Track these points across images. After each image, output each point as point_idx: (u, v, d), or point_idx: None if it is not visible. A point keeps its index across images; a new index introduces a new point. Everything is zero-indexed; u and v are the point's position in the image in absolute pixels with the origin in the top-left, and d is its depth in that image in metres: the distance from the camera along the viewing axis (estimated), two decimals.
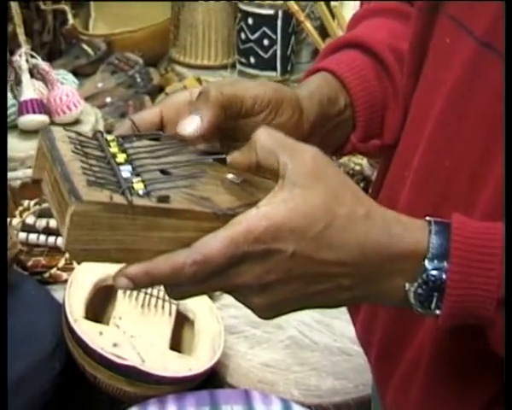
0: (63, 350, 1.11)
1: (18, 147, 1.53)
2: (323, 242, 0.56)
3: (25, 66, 1.59)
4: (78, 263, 1.26)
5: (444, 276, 0.57)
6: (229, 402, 1.07)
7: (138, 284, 0.57)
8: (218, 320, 1.19)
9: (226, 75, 1.93)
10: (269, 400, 1.09)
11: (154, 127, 0.64)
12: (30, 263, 1.31)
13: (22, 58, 1.60)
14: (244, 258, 0.56)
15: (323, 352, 1.23)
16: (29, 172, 1.51)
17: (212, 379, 1.16)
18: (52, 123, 1.58)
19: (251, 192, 0.61)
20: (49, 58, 2.03)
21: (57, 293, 1.23)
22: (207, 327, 1.18)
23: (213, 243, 0.55)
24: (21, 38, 1.98)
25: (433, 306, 0.58)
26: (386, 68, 0.77)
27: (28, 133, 1.56)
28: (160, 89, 1.94)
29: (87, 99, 1.81)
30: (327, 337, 1.26)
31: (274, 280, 0.57)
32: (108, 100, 1.89)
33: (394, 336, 0.73)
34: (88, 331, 1.08)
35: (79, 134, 0.60)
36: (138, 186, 0.56)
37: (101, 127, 1.66)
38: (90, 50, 2.07)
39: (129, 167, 0.58)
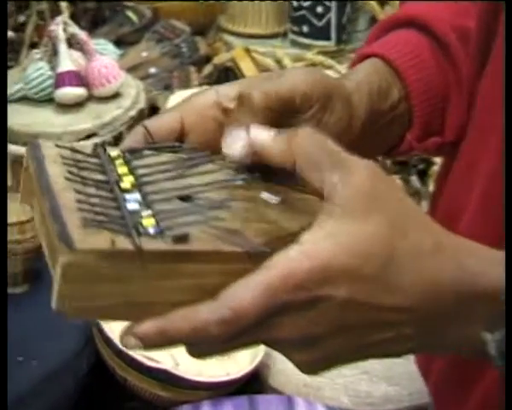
0: (92, 350, 1.04)
1: (54, 122, 1.46)
2: (381, 283, 0.46)
3: (62, 35, 1.51)
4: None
5: None
6: (269, 409, 0.98)
7: (150, 345, 0.47)
8: None
9: (277, 45, 1.83)
10: (313, 408, 1.00)
11: (172, 136, 0.53)
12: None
13: (59, 27, 1.52)
14: (283, 309, 0.45)
15: None
16: None
17: (253, 382, 1.08)
18: (91, 96, 1.50)
19: (291, 217, 0.49)
20: (93, 26, 1.97)
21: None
22: None
23: (245, 294, 0.45)
24: (63, 4, 1.91)
25: None
26: (447, 50, 0.66)
27: (65, 107, 1.48)
28: (208, 59, 1.85)
29: (130, 70, 1.74)
30: None
31: (321, 333, 0.46)
32: (152, 71, 1.80)
33: (460, 367, 0.63)
34: (118, 331, 1.00)
35: (75, 150, 0.49)
36: (148, 222, 0.45)
37: (142, 101, 1.57)
38: (134, 18, 1.99)
39: (137, 196, 0.47)
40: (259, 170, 0.51)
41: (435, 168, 1.45)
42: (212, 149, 0.52)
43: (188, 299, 0.45)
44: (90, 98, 1.50)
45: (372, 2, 1.79)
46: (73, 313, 0.45)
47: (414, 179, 1.46)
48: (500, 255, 0.48)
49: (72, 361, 1.01)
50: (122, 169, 0.48)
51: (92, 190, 0.47)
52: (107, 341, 1.00)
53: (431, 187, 1.43)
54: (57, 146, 0.49)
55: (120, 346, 0.99)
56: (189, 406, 0.99)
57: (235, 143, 0.50)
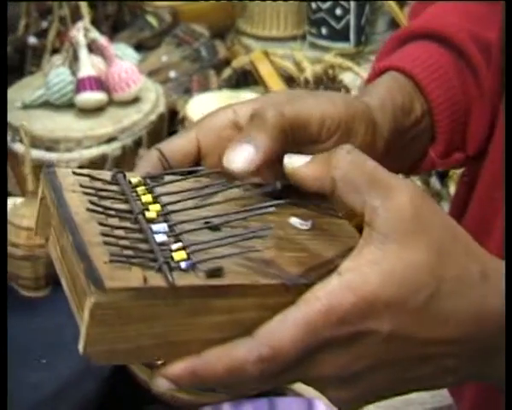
0: None
1: (74, 126, 1.47)
2: (427, 316, 0.43)
3: (82, 41, 1.52)
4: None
5: None
6: None
7: (184, 386, 0.45)
8: None
9: (296, 47, 1.83)
10: None
11: (189, 159, 0.50)
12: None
13: (80, 33, 1.53)
14: (324, 345, 0.43)
15: None
16: (86, 153, 1.45)
17: None
18: (111, 101, 1.51)
19: (324, 243, 0.46)
20: (113, 31, 1.98)
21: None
22: None
23: (284, 331, 0.42)
24: (84, 10, 1.92)
25: None
26: (468, 63, 0.63)
27: (86, 112, 1.50)
28: (227, 62, 1.85)
29: (150, 74, 1.74)
30: None
31: (362, 369, 0.44)
32: (172, 75, 1.81)
33: (492, 394, 0.62)
34: None
35: (94, 178, 0.45)
36: (179, 256, 0.42)
37: (162, 105, 1.58)
38: (154, 22, 1.99)
39: (164, 226, 0.43)
40: (284, 194, 0.48)
41: (455, 170, 1.44)
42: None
43: (223, 336, 0.43)
44: (111, 103, 1.51)
45: (391, 2, 1.78)
46: (103, 356, 0.42)
47: (434, 181, 1.46)
48: None
49: (93, 365, 1.02)
50: (146, 198, 0.45)
51: (116, 222, 0.44)
52: None
53: (451, 188, 1.42)
54: (74, 173, 0.46)
55: None
56: (209, 407, 0.99)
57: (238, 158, 0.47)
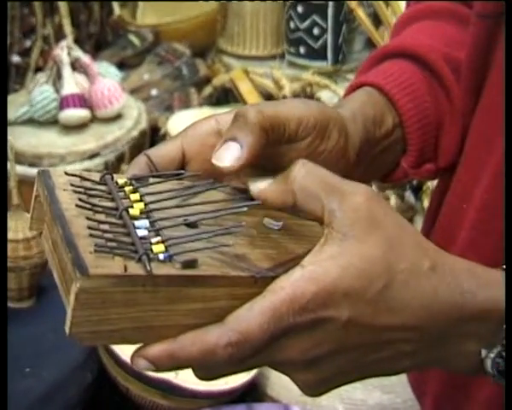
0: (95, 360, 1.07)
1: (57, 143, 1.50)
2: (382, 304, 0.47)
3: (66, 59, 1.56)
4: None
5: None
6: None
7: (161, 368, 0.47)
8: None
9: (275, 66, 1.87)
10: None
11: (174, 165, 0.53)
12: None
13: (64, 51, 1.56)
14: (289, 331, 0.46)
15: None
16: (69, 168, 1.47)
17: (252, 391, 1.11)
18: (94, 118, 1.55)
19: (293, 242, 0.51)
20: (96, 49, 2.01)
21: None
22: None
23: (251, 318, 0.46)
24: (67, 29, 1.95)
25: None
26: (441, 81, 0.66)
27: (69, 128, 1.53)
28: (207, 80, 1.89)
29: (132, 92, 1.78)
30: None
31: (324, 353, 0.47)
32: (154, 93, 1.84)
33: (454, 389, 0.65)
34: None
35: (84, 178, 0.50)
36: (158, 248, 0.46)
37: (144, 121, 1.62)
38: (136, 41, 2.03)
39: (146, 222, 0.47)
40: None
41: (429, 184, 1.48)
42: (213, 176, 0.52)
43: (197, 322, 0.46)
44: (94, 120, 1.55)
45: (367, 23, 1.83)
46: (87, 337, 0.45)
47: (408, 195, 1.50)
48: (496, 275, 0.49)
49: (76, 372, 1.05)
50: (134, 196, 0.49)
51: (102, 217, 0.47)
52: (110, 352, 1.04)
53: (425, 202, 1.46)
54: (66, 174, 0.49)
55: (123, 357, 1.03)
56: None
57: (226, 156, 0.51)
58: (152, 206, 0.49)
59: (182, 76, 1.88)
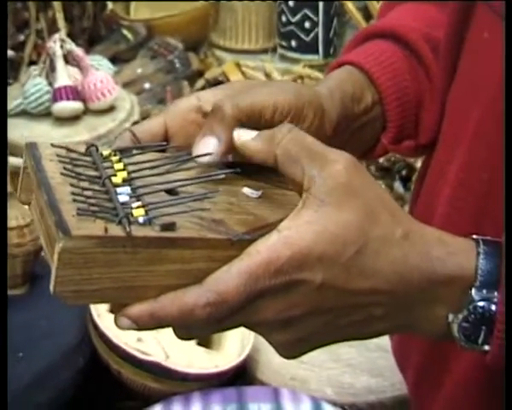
0: (88, 345, 1.09)
1: (51, 134, 1.51)
2: (355, 269, 0.49)
3: (59, 52, 1.57)
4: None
5: (493, 308, 0.50)
6: (256, 400, 1.03)
7: (142, 326, 0.50)
8: None
9: (266, 59, 1.88)
10: (298, 398, 1.05)
11: (157, 140, 0.56)
12: None
13: (57, 44, 1.58)
14: (264, 292, 0.48)
15: (359, 348, 1.18)
16: None
17: (243, 375, 1.13)
18: (87, 110, 1.56)
19: (271, 210, 0.53)
20: (89, 44, 2.02)
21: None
22: None
23: (228, 279, 0.48)
24: (60, 23, 1.97)
25: (480, 341, 0.51)
26: (420, 60, 0.69)
27: (62, 120, 1.54)
28: (200, 74, 1.90)
29: (125, 85, 1.79)
30: None
31: (298, 315, 0.49)
32: (147, 86, 1.86)
33: (433, 361, 0.67)
34: (111, 326, 1.05)
35: (70, 150, 0.52)
36: (138, 212, 0.48)
37: (136, 114, 1.63)
38: (129, 35, 2.04)
39: (127, 189, 0.50)
40: (241, 167, 0.54)
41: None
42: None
43: (177, 283, 0.48)
44: (86, 112, 1.56)
45: (358, 16, 1.84)
46: (71, 296, 0.47)
47: (398, 185, 1.51)
48: (464, 243, 0.51)
49: (69, 356, 1.06)
50: (117, 166, 0.51)
51: (86, 185, 0.49)
52: (102, 336, 1.05)
53: None
54: (53, 145, 0.52)
55: (114, 341, 1.04)
56: (180, 397, 1.03)
57: (205, 149, 0.53)
58: (134, 175, 0.51)
59: (174, 70, 1.90)
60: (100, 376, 1.09)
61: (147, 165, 0.52)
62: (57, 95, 1.53)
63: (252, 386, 1.08)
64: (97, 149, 0.53)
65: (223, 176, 0.53)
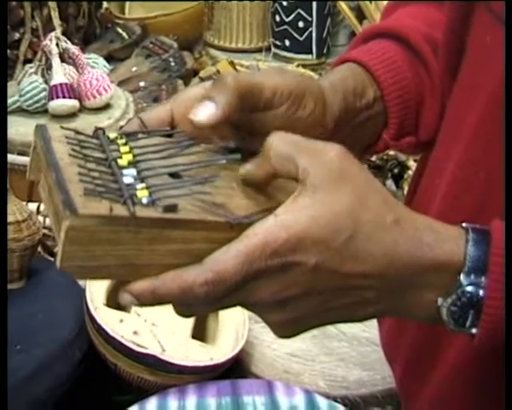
0: (84, 338, 1.10)
1: None
2: (348, 253, 0.51)
3: (55, 50, 1.58)
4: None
5: (481, 292, 0.52)
6: (250, 393, 1.05)
7: (144, 302, 0.52)
8: (243, 309, 1.16)
9: (260, 58, 1.90)
10: (292, 391, 1.07)
11: (163, 126, 0.58)
12: (57, 249, 1.30)
13: (53, 42, 1.59)
14: (260, 273, 0.50)
15: (352, 342, 1.20)
16: None
17: (237, 368, 1.14)
18: (82, 108, 1.58)
19: (269, 195, 0.55)
20: (84, 42, 2.04)
21: (82, 280, 1.21)
22: (231, 316, 1.15)
23: (227, 259, 0.50)
24: (56, 22, 1.98)
25: (468, 324, 0.53)
26: (422, 60, 0.70)
27: (58, 118, 1.55)
28: (195, 73, 1.92)
29: (121, 83, 1.80)
30: (356, 327, 1.22)
31: (293, 296, 0.52)
32: (142, 84, 1.87)
33: (421, 356, 0.69)
34: (108, 319, 1.07)
35: (78, 132, 0.54)
36: (142, 194, 0.50)
37: (131, 112, 1.64)
38: (124, 34, 2.06)
39: (133, 171, 0.52)
40: (242, 153, 0.57)
41: (410, 173, 1.52)
42: (198, 137, 0.57)
43: (178, 263, 0.50)
44: (82, 109, 1.57)
45: (351, 16, 1.86)
46: (76, 271, 0.49)
47: (390, 183, 1.53)
48: (453, 231, 0.53)
49: (66, 349, 1.08)
50: (124, 149, 0.53)
51: (93, 166, 0.51)
52: (99, 329, 1.06)
53: (406, 190, 1.50)
54: (62, 128, 0.54)
55: (111, 334, 1.06)
56: (175, 389, 1.05)
57: (201, 112, 0.56)
58: (139, 158, 0.53)
59: (169, 68, 1.91)
60: (96, 368, 1.10)
61: (151, 149, 0.54)
62: (53, 92, 1.54)
63: (246, 379, 1.10)
64: (104, 133, 0.55)
65: (224, 161, 0.55)
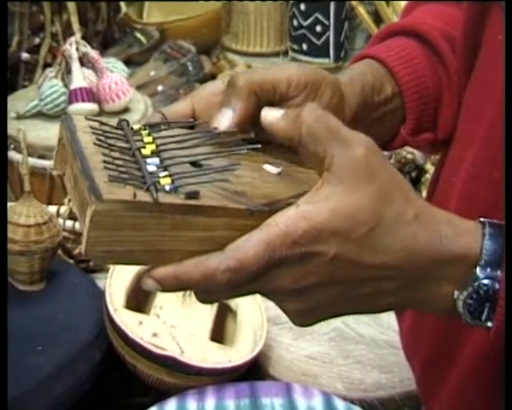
0: (104, 339, 1.11)
1: None
2: (367, 245, 0.52)
3: (75, 54, 1.60)
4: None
5: (497, 286, 0.52)
6: (269, 395, 1.05)
7: (166, 288, 0.53)
8: (261, 311, 1.17)
9: (278, 62, 1.91)
10: (310, 393, 1.07)
11: (185, 119, 0.59)
12: (76, 251, 1.32)
13: (72, 47, 1.61)
14: (281, 262, 0.51)
15: (369, 345, 1.20)
16: None
17: (255, 371, 1.15)
18: (101, 111, 1.59)
19: (290, 186, 0.56)
20: (103, 47, 2.05)
21: (102, 282, 1.23)
22: (250, 318, 1.16)
23: (248, 247, 0.51)
24: (75, 26, 2.00)
25: (483, 317, 0.54)
26: (440, 58, 0.71)
27: None
28: (212, 77, 1.93)
29: (139, 88, 1.82)
30: (373, 330, 1.23)
31: (312, 284, 0.52)
32: (160, 88, 1.88)
33: (440, 354, 0.69)
34: (127, 321, 1.08)
35: (103, 123, 0.55)
36: (165, 181, 0.51)
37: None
38: (143, 39, 2.07)
39: (156, 160, 0.53)
40: (261, 144, 0.58)
41: (428, 176, 1.52)
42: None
43: (200, 249, 0.51)
44: (101, 113, 1.58)
45: (369, 20, 1.87)
46: (101, 256, 0.50)
47: None
48: (471, 225, 0.54)
49: (86, 350, 1.09)
50: (143, 139, 0.55)
51: (117, 155, 0.53)
52: (119, 331, 1.07)
53: (423, 193, 1.50)
54: (86, 118, 0.55)
55: (131, 336, 1.07)
56: (194, 390, 1.06)
57: (221, 121, 0.57)
58: (162, 147, 0.55)
59: (187, 72, 1.93)
60: (116, 370, 1.11)
61: (174, 139, 0.55)
62: (73, 96, 1.56)
63: (264, 381, 1.10)
64: (128, 124, 0.56)
65: (245, 151, 0.56)
